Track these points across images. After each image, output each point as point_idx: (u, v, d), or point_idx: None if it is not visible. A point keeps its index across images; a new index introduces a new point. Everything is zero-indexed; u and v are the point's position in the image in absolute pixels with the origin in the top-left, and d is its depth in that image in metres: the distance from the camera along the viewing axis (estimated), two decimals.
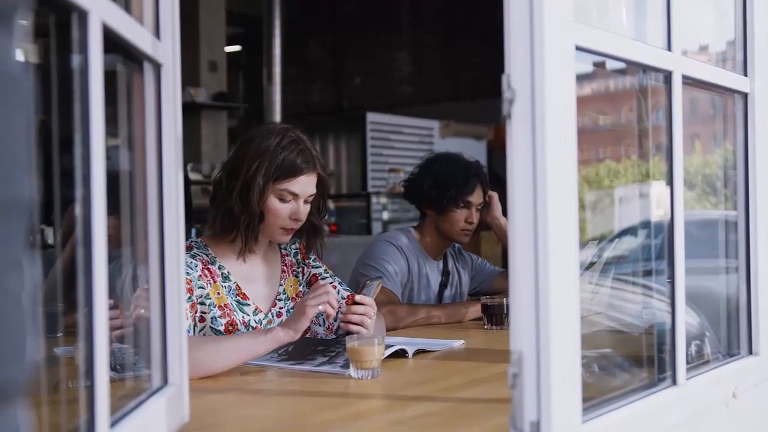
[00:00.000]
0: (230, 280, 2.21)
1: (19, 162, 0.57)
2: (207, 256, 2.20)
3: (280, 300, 2.31)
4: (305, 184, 2.20)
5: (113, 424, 1.10)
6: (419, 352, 2.18)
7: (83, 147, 1.01)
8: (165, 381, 1.38)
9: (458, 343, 2.34)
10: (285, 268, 2.36)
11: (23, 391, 0.59)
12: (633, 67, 1.58)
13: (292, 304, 2.32)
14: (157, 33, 1.35)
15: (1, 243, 0.56)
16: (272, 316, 2.27)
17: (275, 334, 1.95)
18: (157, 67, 1.35)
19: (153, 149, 1.36)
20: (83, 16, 1.00)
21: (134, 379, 1.46)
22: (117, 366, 1.38)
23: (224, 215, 2.19)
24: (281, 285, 2.33)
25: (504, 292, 2.95)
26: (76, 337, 1.13)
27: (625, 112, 2.04)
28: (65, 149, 1.04)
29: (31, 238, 0.59)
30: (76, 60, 1.03)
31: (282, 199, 2.18)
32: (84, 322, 1.02)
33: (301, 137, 2.25)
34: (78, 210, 1.01)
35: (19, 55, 0.59)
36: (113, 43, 1.12)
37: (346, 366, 1.90)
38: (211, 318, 2.13)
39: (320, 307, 1.96)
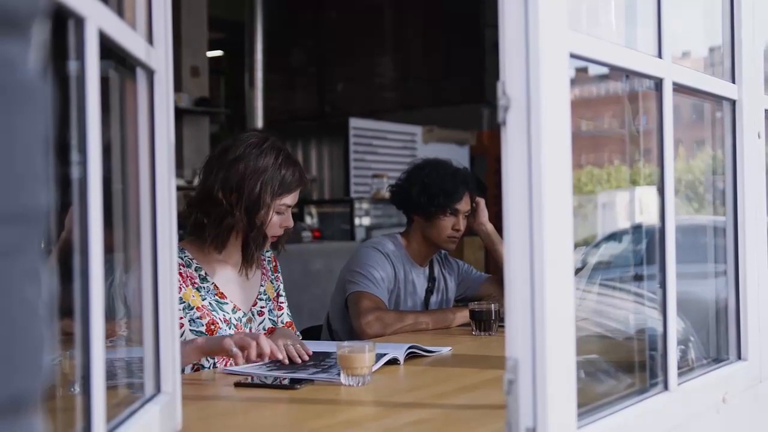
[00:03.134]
0: (208, 281, 2.28)
1: (37, 171, 0.56)
2: (182, 259, 2.25)
3: (261, 299, 2.41)
4: (297, 196, 2.34)
5: None
6: (411, 357, 2.18)
7: (79, 153, 1.01)
8: (158, 389, 1.37)
9: (446, 350, 2.35)
10: (264, 270, 2.47)
11: (40, 401, 0.59)
12: (615, 72, 1.59)
13: (272, 305, 2.44)
14: (150, 39, 1.35)
15: (18, 252, 0.55)
16: (253, 315, 2.37)
17: (196, 345, 2.02)
18: (150, 73, 1.34)
19: (145, 156, 1.35)
20: (80, 22, 0.99)
21: (121, 386, 1.45)
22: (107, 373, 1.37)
23: (226, 232, 2.26)
24: (262, 285, 2.43)
25: (491, 297, 2.96)
26: (65, 344, 1.12)
27: (608, 118, 2.06)
28: (60, 155, 1.03)
29: (45, 247, 0.59)
30: (71, 66, 1.02)
31: (278, 213, 2.30)
32: (80, 330, 1.01)
33: (289, 151, 2.36)
34: (75, 216, 1.01)
35: (36, 63, 0.58)
36: (107, 49, 1.12)
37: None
38: (190, 320, 2.20)
39: (234, 349, 1.95)
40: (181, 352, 1.94)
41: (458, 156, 7.65)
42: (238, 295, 2.34)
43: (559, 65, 1.20)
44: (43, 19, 0.60)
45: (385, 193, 7.35)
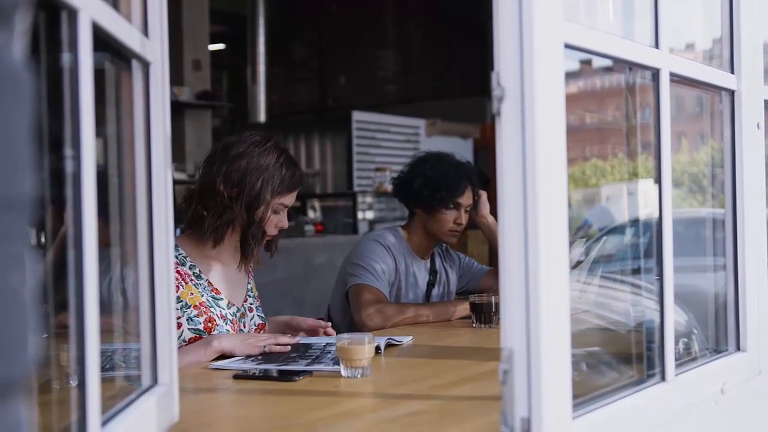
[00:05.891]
0: (202, 278, 2.31)
1: (21, 159, 0.57)
2: (176, 257, 2.25)
3: (250, 296, 2.46)
4: (294, 197, 2.38)
5: (104, 423, 1.10)
6: (389, 346, 2.24)
7: (73, 147, 1.01)
8: (155, 380, 1.37)
9: (407, 339, 2.39)
10: (250, 269, 2.50)
11: (25, 388, 0.59)
12: (619, 65, 1.59)
13: (258, 303, 2.49)
14: (145, 31, 1.35)
15: (3, 239, 0.56)
16: (245, 310, 2.41)
17: (214, 347, 2.11)
18: (145, 65, 1.34)
19: (141, 148, 1.36)
20: (73, 14, 0.99)
21: (119, 378, 1.46)
22: (104, 365, 1.38)
23: (224, 225, 2.28)
24: (249, 283, 2.48)
25: (492, 290, 2.96)
26: (63, 337, 1.12)
27: (612, 111, 2.05)
28: (54, 149, 1.03)
29: (30, 235, 0.59)
30: (65, 58, 1.02)
31: (275, 212, 2.33)
32: (75, 323, 1.01)
33: (290, 153, 2.40)
34: (68, 210, 1.01)
35: (19, 52, 0.58)
36: (101, 41, 1.12)
37: (336, 362, 1.90)
38: (188, 319, 2.23)
39: (266, 349, 2.13)
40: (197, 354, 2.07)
41: (462, 149, 7.65)
42: (230, 292, 2.37)
43: (554, 56, 1.20)
44: (27, 8, 0.60)
45: (388, 187, 7.36)
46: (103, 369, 1.13)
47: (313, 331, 2.44)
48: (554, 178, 1.19)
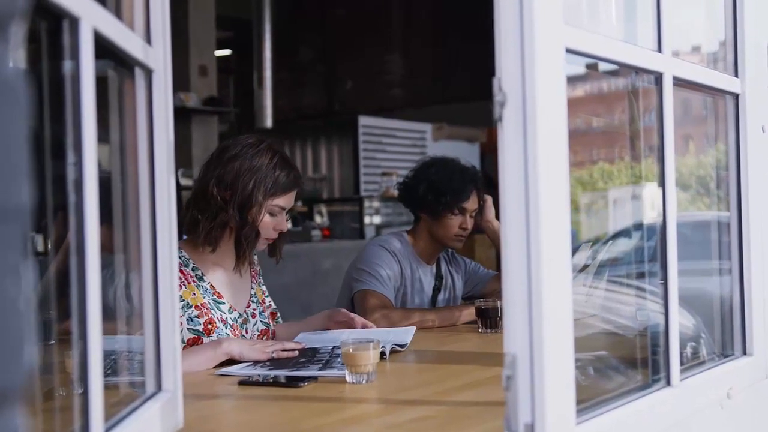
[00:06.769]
0: (205, 281, 2.32)
1: (17, 168, 0.57)
2: (180, 258, 2.26)
3: (253, 302, 2.45)
4: (292, 199, 2.36)
5: (107, 430, 1.10)
6: (393, 352, 2.23)
7: (75, 153, 1.01)
8: (159, 387, 1.38)
9: (411, 331, 2.42)
10: (254, 274, 2.50)
11: (21, 397, 0.59)
12: (625, 68, 1.59)
13: (262, 308, 2.47)
14: (148, 39, 1.35)
15: (0, 249, 0.56)
16: (247, 316, 2.41)
17: (223, 349, 2.09)
18: (148, 72, 1.35)
19: (145, 155, 1.36)
20: (74, 22, 1.00)
21: (123, 384, 1.46)
22: (108, 371, 1.38)
23: (218, 228, 2.28)
24: (252, 288, 2.47)
25: (497, 295, 2.95)
26: (69, 344, 1.12)
27: (619, 114, 2.05)
28: (56, 156, 1.04)
29: (27, 245, 0.60)
30: (67, 66, 1.02)
31: (271, 214, 2.32)
32: (77, 330, 1.01)
33: (285, 154, 2.40)
34: (71, 217, 1.01)
35: (16, 62, 0.59)
36: (104, 48, 1.12)
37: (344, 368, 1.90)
38: (188, 319, 2.23)
39: (273, 354, 2.12)
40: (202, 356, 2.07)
41: (468, 153, 7.65)
42: (233, 297, 2.37)
43: (555, 60, 1.20)
44: (23, 18, 0.60)
45: (395, 191, 7.35)
46: (106, 375, 1.13)
47: (347, 323, 2.47)
48: (556, 182, 1.19)
